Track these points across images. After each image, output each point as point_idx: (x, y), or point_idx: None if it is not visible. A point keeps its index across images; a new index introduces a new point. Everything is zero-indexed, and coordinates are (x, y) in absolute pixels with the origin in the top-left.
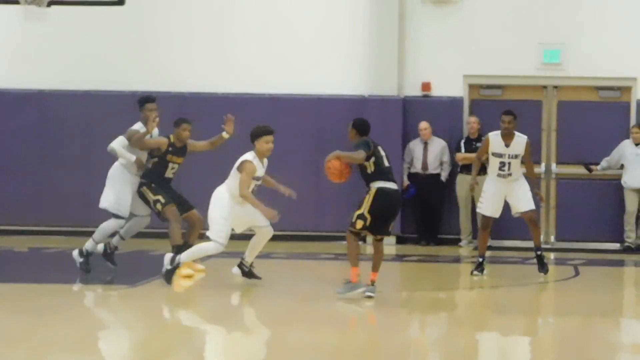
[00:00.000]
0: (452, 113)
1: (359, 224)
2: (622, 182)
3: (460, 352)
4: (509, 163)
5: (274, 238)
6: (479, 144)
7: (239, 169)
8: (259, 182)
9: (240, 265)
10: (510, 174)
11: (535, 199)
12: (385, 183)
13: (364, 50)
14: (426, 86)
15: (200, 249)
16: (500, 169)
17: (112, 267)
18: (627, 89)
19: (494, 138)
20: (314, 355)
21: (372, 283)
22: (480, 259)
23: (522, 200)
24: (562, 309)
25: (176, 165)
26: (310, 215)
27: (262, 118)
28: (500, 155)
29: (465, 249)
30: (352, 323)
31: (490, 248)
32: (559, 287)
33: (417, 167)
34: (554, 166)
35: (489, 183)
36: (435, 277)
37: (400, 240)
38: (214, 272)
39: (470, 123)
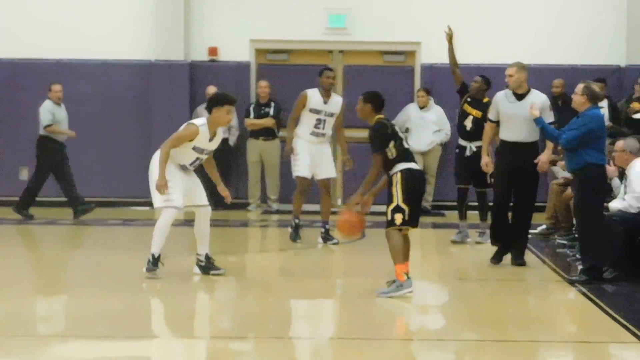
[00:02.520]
0: (239, 78)
1: (399, 218)
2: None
3: (251, 316)
4: (325, 121)
5: (63, 204)
6: (268, 109)
7: (183, 128)
8: (201, 156)
9: (197, 263)
10: (324, 134)
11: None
12: (408, 164)
13: (150, 14)
14: (213, 51)
15: (158, 228)
16: (316, 126)
17: None
18: (412, 54)
19: (312, 94)
20: (100, 321)
21: (407, 275)
22: (296, 221)
23: (327, 167)
24: (350, 271)
25: None
26: (98, 181)
27: (48, 83)
28: (318, 112)
29: (253, 213)
30: (139, 289)
31: (279, 212)
32: (347, 249)
33: None
34: None
35: (300, 144)
36: (224, 241)
37: None
38: None
39: (261, 87)
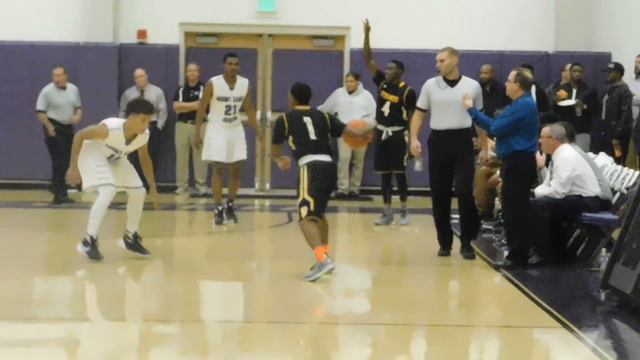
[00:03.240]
0: (168, 61)
1: (304, 211)
2: None
3: (177, 299)
4: (234, 106)
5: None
6: (197, 92)
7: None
8: (118, 155)
9: (124, 238)
10: (235, 118)
11: (250, 148)
12: (314, 156)
13: None
14: (142, 33)
15: (97, 208)
16: (226, 112)
17: None
18: (341, 38)
19: (217, 82)
20: (23, 303)
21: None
22: (220, 208)
23: (239, 149)
24: (276, 254)
25: None
26: (25, 163)
27: None
28: (225, 99)
29: (181, 197)
30: (65, 271)
31: (206, 195)
32: (274, 232)
33: None
34: (269, 114)
35: (214, 129)
36: (151, 224)
37: None
38: None
39: (191, 70)
